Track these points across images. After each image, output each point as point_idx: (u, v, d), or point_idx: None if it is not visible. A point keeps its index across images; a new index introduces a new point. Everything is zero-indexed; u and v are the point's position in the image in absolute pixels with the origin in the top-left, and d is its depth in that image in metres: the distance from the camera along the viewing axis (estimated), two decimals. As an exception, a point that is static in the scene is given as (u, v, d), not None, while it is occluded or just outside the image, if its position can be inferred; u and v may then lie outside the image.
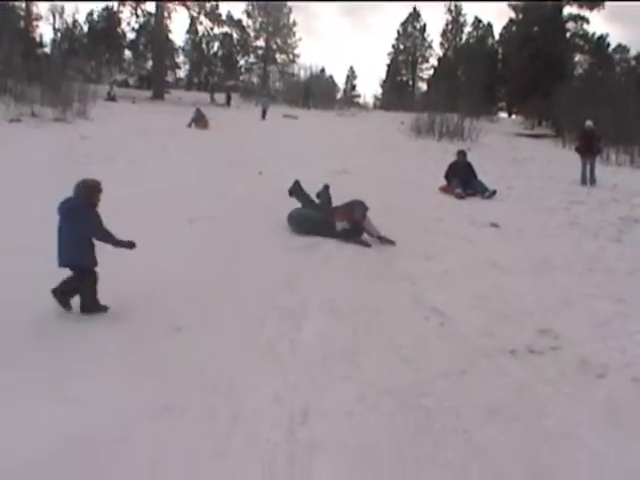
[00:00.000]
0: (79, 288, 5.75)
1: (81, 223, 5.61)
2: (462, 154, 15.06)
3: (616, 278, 7.86)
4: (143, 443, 3.81)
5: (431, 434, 4.09)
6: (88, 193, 5.71)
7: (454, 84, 49.42)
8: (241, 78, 68.83)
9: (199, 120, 25.90)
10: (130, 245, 5.88)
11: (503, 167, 19.90)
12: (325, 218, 9.23)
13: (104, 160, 13.64)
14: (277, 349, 5.33)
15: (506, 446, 3.98)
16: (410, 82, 73.19)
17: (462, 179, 14.04)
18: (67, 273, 5.76)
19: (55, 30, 59.59)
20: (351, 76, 78.13)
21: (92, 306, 5.73)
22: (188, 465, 3.65)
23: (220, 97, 46.33)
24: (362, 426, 4.16)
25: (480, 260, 8.46)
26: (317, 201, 9.93)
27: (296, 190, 10.08)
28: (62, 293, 5.73)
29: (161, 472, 3.59)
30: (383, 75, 74.34)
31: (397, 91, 67.13)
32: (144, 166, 13.61)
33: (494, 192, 13.75)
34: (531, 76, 47.62)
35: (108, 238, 5.74)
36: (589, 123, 17.81)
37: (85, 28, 62.51)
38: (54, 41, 58.11)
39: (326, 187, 10.16)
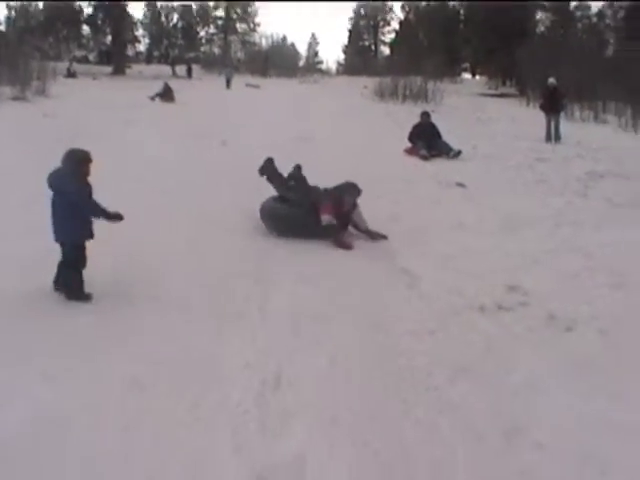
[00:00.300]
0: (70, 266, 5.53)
1: (69, 195, 5.36)
2: (426, 115, 14.96)
3: (583, 233, 7.91)
4: (116, 415, 3.81)
5: (402, 393, 4.12)
6: (76, 164, 5.44)
7: (416, 47, 49.23)
8: (202, 49, 67.95)
9: (166, 94, 25.55)
10: (118, 217, 5.65)
11: (468, 127, 19.86)
12: (307, 211, 7.72)
13: (69, 137, 13.36)
14: (247, 316, 5.33)
15: (476, 402, 4.02)
16: (372, 47, 72.77)
17: (427, 140, 13.96)
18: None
19: (9, 8, 58.31)
20: (313, 43, 77.73)
21: (77, 291, 5.53)
22: (159, 433, 3.65)
23: (181, 69, 45.70)
24: (333, 388, 4.18)
25: (447, 220, 8.48)
26: (293, 183, 8.35)
27: (269, 170, 8.51)
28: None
29: (132, 442, 3.58)
30: (345, 41, 74.01)
31: (360, 56, 66.83)
32: (110, 142, 13.32)
33: (459, 152, 13.73)
34: (493, 36, 47.46)
35: (96, 211, 5.53)
36: (552, 80, 17.94)
37: (41, 5, 61.05)
38: (9, 19, 56.96)
39: (298, 167, 8.58)
